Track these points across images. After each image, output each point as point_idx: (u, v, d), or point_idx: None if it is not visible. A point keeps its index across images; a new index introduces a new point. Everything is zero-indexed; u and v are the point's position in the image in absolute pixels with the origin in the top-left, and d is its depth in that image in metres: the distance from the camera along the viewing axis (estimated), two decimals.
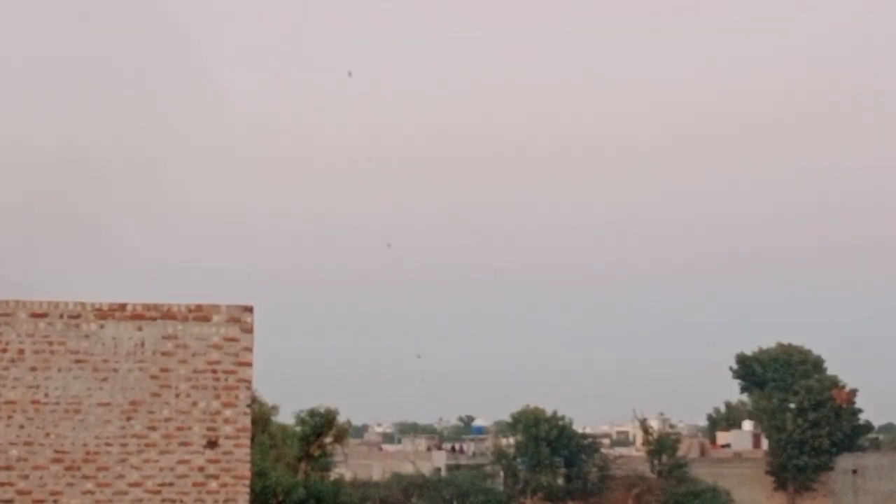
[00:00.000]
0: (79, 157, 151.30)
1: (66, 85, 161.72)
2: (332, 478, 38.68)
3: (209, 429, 15.92)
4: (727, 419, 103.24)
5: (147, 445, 15.71)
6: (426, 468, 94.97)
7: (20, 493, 15.44)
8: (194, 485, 15.75)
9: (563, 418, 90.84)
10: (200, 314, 16.05)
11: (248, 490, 16.27)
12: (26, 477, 15.40)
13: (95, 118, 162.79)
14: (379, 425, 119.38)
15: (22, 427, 15.46)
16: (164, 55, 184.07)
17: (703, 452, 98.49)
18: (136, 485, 15.62)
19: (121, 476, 15.59)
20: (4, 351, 15.54)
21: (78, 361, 15.65)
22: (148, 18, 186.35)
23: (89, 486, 15.53)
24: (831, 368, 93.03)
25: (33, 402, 15.51)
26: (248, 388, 16.39)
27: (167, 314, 15.96)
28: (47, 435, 15.50)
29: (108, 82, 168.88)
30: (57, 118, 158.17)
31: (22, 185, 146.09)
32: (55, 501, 15.45)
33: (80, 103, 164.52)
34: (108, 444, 15.63)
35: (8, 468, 15.43)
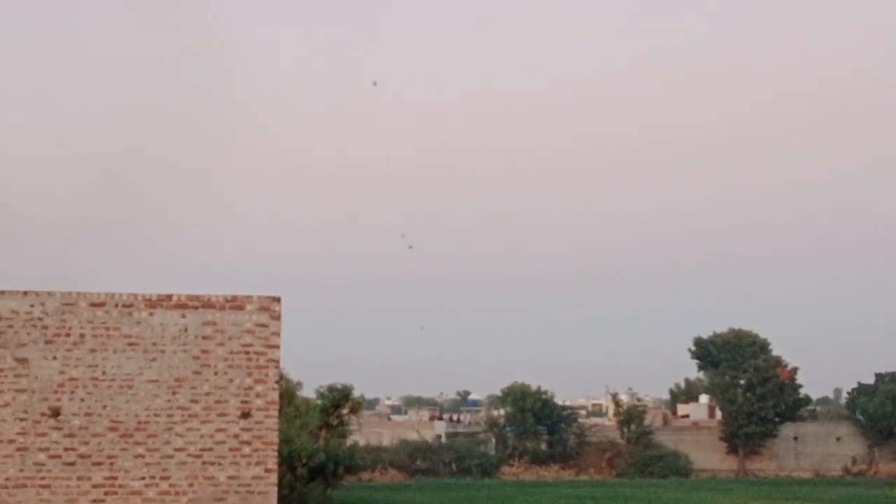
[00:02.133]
0: (138, 162, 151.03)
1: (129, 97, 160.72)
2: (348, 444, 39.43)
3: (243, 402, 16.69)
4: (686, 393, 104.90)
5: (190, 416, 16.50)
6: (429, 435, 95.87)
7: (81, 456, 16.13)
8: (230, 450, 16.52)
9: (546, 393, 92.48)
10: (236, 304, 16.82)
11: (276, 454, 16.85)
12: (87, 443, 16.17)
13: (153, 128, 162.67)
14: (388, 399, 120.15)
15: (83, 400, 16.22)
16: (215, 75, 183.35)
17: (665, 422, 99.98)
18: (180, 450, 16.39)
19: (167, 442, 16.39)
20: (68, 335, 16.29)
21: (131, 344, 16.44)
22: (201, 37, 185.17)
23: (140, 451, 16.28)
24: (776, 350, 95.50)
25: (92, 379, 16.28)
26: (276, 366, 17.08)
27: (207, 303, 16.75)
28: (104, 407, 16.26)
29: (165, 96, 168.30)
30: (121, 127, 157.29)
31: (88, 187, 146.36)
32: (111, 464, 16.18)
33: (140, 114, 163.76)
34: (156, 415, 16.40)
35: (71, 435, 16.10)
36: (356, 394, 44.27)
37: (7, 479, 16.20)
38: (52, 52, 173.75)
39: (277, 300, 17.15)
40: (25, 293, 16.62)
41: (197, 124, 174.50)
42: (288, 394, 32.90)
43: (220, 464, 16.74)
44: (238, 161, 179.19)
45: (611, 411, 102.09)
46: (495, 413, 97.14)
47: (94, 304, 16.67)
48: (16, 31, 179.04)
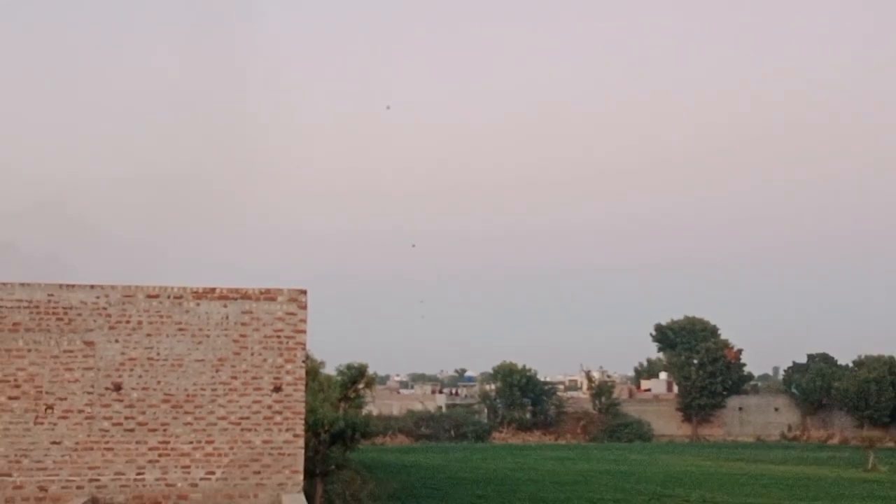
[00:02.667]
0: (188, 180, 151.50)
1: (182, 125, 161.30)
2: (363, 413, 39.41)
3: (275, 378, 16.68)
4: (648, 371, 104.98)
5: (230, 390, 16.53)
6: (431, 406, 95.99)
7: (139, 424, 16.15)
8: (264, 418, 16.51)
9: (530, 370, 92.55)
10: (269, 295, 16.83)
11: (303, 422, 16.83)
12: (143, 413, 16.21)
13: (200, 151, 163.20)
14: (397, 375, 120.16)
15: (140, 377, 16.25)
16: (253, 104, 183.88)
17: (630, 395, 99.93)
18: (222, 418, 16.42)
19: (211, 412, 16.42)
20: (128, 322, 16.32)
21: (180, 330, 16.48)
22: (241, 73, 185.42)
23: (189, 419, 16.33)
24: (723, 334, 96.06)
25: (148, 358, 16.31)
26: (303, 348, 17.03)
27: (245, 295, 16.77)
28: (158, 382, 16.30)
29: (210, 123, 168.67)
30: (175, 151, 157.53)
31: (147, 200, 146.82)
32: (164, 430, 16.23)
33: (190, 139, 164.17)
34: (202, 389, 16.44)
35: (130, 406, 16.15)
36: (370, 371, 44.21)
37: (77, 443, 16.22)
38: (117, 87, 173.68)
39: (304, 293, 17.18)
40: (92, 287, 16.64)
41: (235, 148, 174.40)
42: (312, 371, 32.87)
43: (255, 430, 16.71)
44: (270, 177, 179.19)
45: (584, 386, 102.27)
46: (487, 387, 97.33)
47: (149, 296, 16.71)
48: (90, 71, 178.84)
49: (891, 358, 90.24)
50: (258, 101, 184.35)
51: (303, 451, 17.06)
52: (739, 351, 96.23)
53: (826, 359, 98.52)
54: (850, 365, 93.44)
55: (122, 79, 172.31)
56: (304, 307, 17.15)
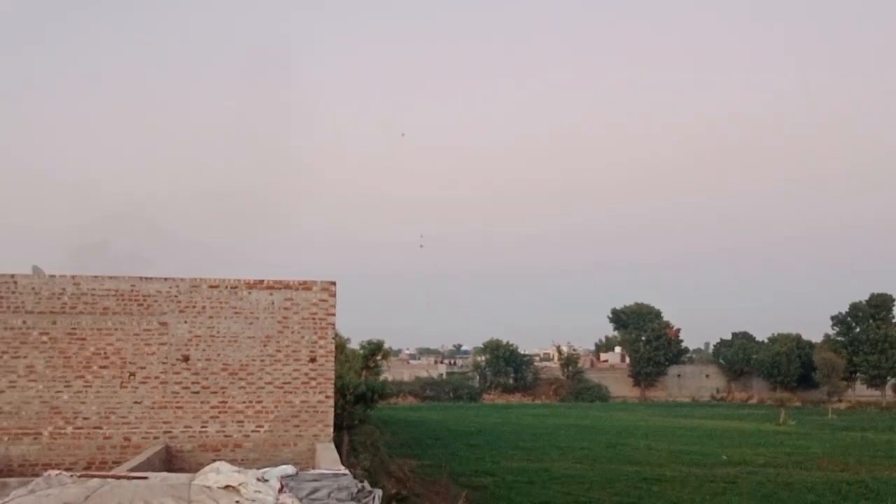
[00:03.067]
0: (243, 194, 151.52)
1: (238, 147, 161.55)
2: (380, 379, 39.57)
3: (311, 351, 16.70)
4: (606, 346, 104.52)
5: (275, 361, 16.54)
6: (434, 374, 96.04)
7: (203, 387, 16.20)
8: (302, 383, 16.54)
9: (512, 345, 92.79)
10: (306, 286, 16.82)
11: (332, 386, 16.84)
12: (206, 378, 16.26)
13: (253, 169, 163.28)
14: (407, 349, 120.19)
15: (204, 350, 16.28)
16: (296, 126, 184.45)
17: (592, 365, 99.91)
18: (269, 383, 16.44)
19: (260, 378, 16.45)
20: (194, 307, 16.37)
21: (236, 313, 16.52)
22: (288, 102, 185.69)
23: (242, 384, 16.36)
24: (665, 316, 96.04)
25: (210, 336, 16.37)
26: (333, 327, 17.00)
27: (287, 286, 16.77)
28: (218, 355, 16.34)
29: (260, 146, 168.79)
30: (232, 169, 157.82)
31: (209, 210, 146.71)
32: (223, 392, 16.26)
33: (245, 159, 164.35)
34: (253, 360, 16.46)
35: (196, 373, 16.18)
36: (386, 346, 44.33)
37: (154, 402, 16.25)
38: (191, 121, 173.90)
39: (333, 284, 17.14)
40: (166, 279, 16.66)
41: (282, 169, 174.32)
42: (340, 346, 32.88)
43: (295, 392, 16.72)
44: (309, 193, 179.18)
45: (556, 358, 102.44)
46: (479, 359, 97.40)
47: (211, 286, 16.72)
48: (171, 107, 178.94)
49: (798, 335, 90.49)
50: (301, 131, 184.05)
51: (332, 409, 17.04)
52: (678, 330, 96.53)
53: (747, 336, 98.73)
54: (766, 341, 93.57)
55: (195, 113, 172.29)
56: (334, 295, 17.12)
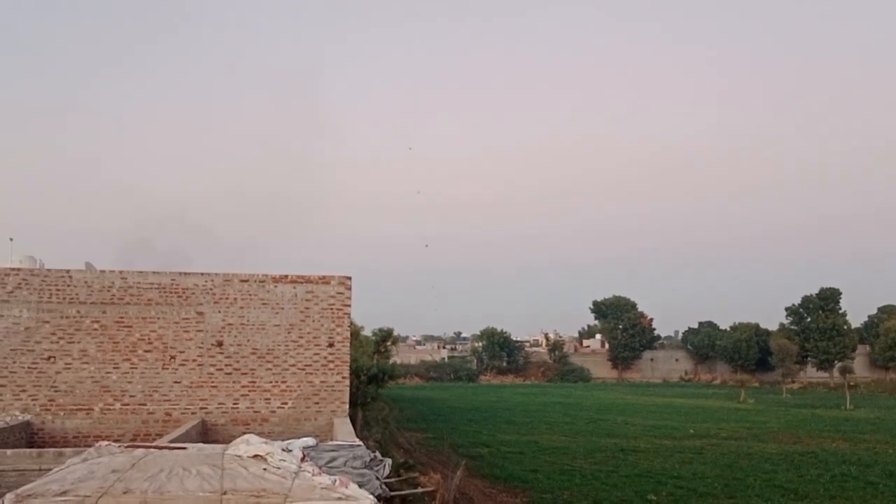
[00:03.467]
0: (275, 197, 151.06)
1: (268, 156, 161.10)
2: (390, 362, 39.76)
3: (329, 338, 16.74)
4: (588, 333, 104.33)
5: (298, 346, 16.60)
6: (437, 357, 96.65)
7: (235, 369, 16.26)
8: (322, 365, 16.58)
9: (506, 332, 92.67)
10: (325, 280, 16.85)
11: (348, 368, 16.85)
12: (238, 361, 16.27)
13: (283, 175, 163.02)
14: (414, 336, 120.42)
15: (236, 336, 16.30)
16: (321, 138, 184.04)
17: (576, 350, 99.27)
18: (292, 365, 16.49)
19: (285, 361, 16.50)
20: (227, 299, 16.37)
21: (263, 304, 16.56)
22: (314, 117, 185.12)
23: (269, 366, 16.39)
24: (640, 308, 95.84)
25: (241, 324, 16.38)
26: (349, 316, 17.07)
27: (308, 280, 16.80)
28: (248, 340, 16.37)
29: (292, 155, 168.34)
30: (264, 175, 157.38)
31: (261, 212, 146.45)
32: (252, 373, 16.31)
33: (275, 166, 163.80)
34: (278, 345, 16.50)
35: (229, 357, 16.21)
36: (395, 333, 44.50)
37: (192, 382, 16.30)
38: (229, 132, 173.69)
39: (349, 278, 17.19)
40: (202, 274, 16.72)
41: (308, 176, 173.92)
42: (354, 333, 32.94)
43: (315, 373, 16.78)
44: (331, 197, 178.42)
45: (544, 343, 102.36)
46: (476, 344, 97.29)
47: (242, 280, 16.77)
48: (211, 122, 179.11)
49: (756, 324, 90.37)
50: (323, 143, 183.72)
51: (348, 388, 17.09)
52: (651, 319, 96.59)
53: (711, 324, 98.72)
54: (728, 329, 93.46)
55: (234, 126, 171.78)
56: (349, 288, 17.18)
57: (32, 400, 15.68)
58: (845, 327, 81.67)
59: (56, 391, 15.79)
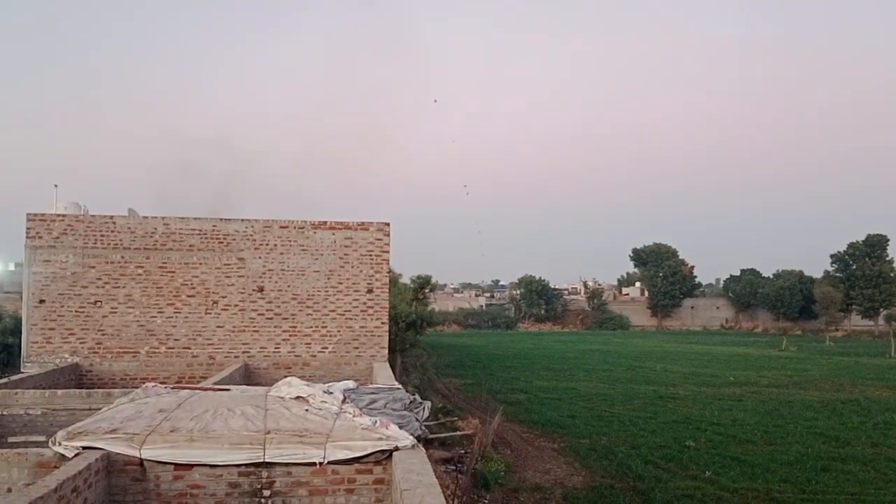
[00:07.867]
0: (343, 134, 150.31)
1: (342, 96, 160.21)
2: (428, 309, 39.84)
3: (368, 284, 16.83)
4: (627, 281, 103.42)
5: (338, 292, 16.71)
6: (475, 305, 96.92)
7: (276, 314, 16.41)
8: (361, 311, 16.69)
9: (544, 280, 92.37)
10: (363, 226, 16.87)
11: (387, 314, 16.97)
12: (279, 307, 16.48)
13: (357, 111, 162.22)
14: (452, 283, 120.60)
15: (276, 282, 16.45)
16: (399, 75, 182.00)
17: (615, 297, 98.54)
18: (332, 311, 16.62)
19: (325, 307, 16.64)
20: (267, 244, 16.50)
21: (303, 250, 16.66)
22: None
23: (310, 311, 16.55)
24: (681, 255, 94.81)
25: (282, 270, 16.52)
26: (387, 263, 17.06)
27: (347, 227, 16.83)
28: (288, 286, 16.54)
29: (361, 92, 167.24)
30: (338, 111, 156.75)
31: (312, 147, 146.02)
32: (293, 318, 16.49)
33: (350, 102, 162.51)
34: (318, 291, 16.64)
35: (270, 302, 16.38)
36: (433, 280, 44.55)
37: (234, 327, 16.55)
38: (297, 72, 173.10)
39: (388, 224, 17.18)
40: (243, 220, 16.85)
41: (360, 130, 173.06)
42: (393, 280, 33.15)
43: (355, 319, 16.90)
44: (380, 147, 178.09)
45: (582, 291, 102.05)
46: (514, 292, 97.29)
47: (282, 227, 16.86)
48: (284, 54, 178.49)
49: (800, 272, 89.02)
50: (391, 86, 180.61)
51: (387, 334, 17.21)
52: (692, 267, 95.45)
53: (754, 272, 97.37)
54: (771, 276, 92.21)
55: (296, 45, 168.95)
56: (388, 234, 17.18)
57: (80, 343, 16.07)
58: (892, 274, 79.96)
59: (103, 335, 16.15)
